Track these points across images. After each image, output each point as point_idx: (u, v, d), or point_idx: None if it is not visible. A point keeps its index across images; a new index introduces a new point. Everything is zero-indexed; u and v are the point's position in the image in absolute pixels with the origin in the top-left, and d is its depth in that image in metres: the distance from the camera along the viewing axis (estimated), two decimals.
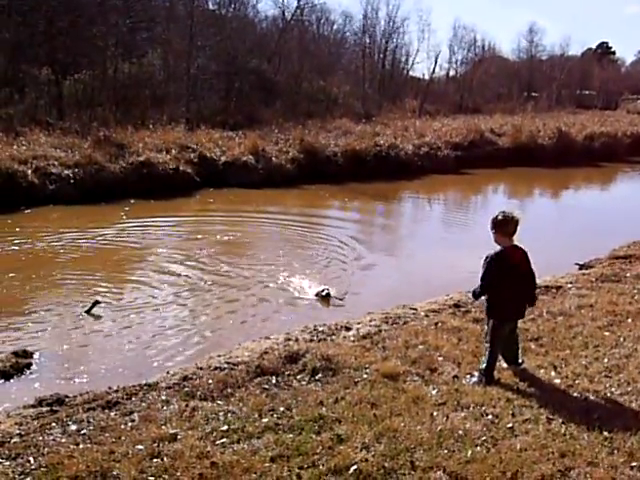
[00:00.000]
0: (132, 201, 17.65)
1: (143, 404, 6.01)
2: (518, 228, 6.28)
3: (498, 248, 6.29)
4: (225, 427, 5.43)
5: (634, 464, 4.89)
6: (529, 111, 45.04)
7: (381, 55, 52.70)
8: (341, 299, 10.27)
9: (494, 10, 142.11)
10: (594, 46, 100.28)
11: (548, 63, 75.58)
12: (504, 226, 6.24)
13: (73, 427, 5.53)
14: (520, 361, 6.76)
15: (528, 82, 70.47)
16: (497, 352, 6.49)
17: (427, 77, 55.87)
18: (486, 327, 6.63)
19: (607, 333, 7.92)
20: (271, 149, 23.49)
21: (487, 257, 6.28)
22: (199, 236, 14.50)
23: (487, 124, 32.81)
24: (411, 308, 9.22)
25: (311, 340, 7.78)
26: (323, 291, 10.31)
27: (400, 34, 55.00)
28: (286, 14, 45.09)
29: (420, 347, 7.29)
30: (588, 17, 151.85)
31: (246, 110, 32.09)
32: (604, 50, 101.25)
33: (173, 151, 21.23)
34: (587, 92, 78.58)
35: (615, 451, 5.08)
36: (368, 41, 51.21)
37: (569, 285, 10.34)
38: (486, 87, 59.12)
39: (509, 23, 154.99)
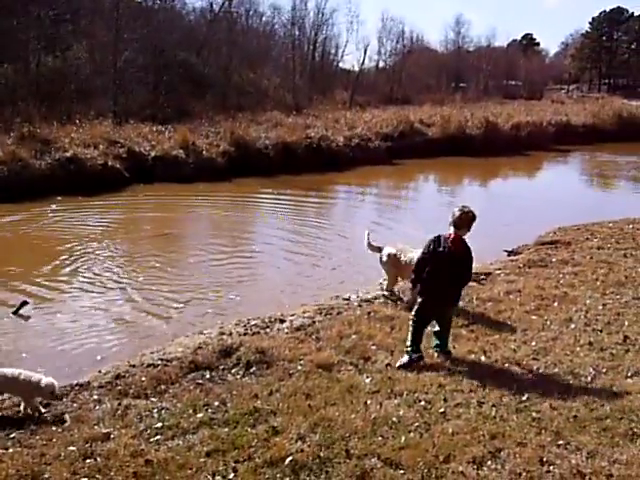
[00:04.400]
0: (59, 198, 17.23)
1: (74, 404, 5.92)
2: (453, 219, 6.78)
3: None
4: (159, 424, 5.39)
5: (560, 442, 5.06)
6: (457, 102, 45.78)
7: (311, 47, 52.78)
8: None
9: (421, 2, 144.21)
10: (519, 37, 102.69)
11: (475, 54, 77.08)
12: (451, 217, 6.77)
13: (1, 432, 5.40)
14: (448, 349, 6.90)
15: (456, 73, 71.69)
16: (420, 327, 6.72)
17: (357, 69, 56.27)
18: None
19: (534, 317, 8.15)
20: (201, 143, 23.23)
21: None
22: (129, 231, 14.29)
23: (417, 115, 33.14)
24: (344, 298, 9.30)
25: (245, 334, 7.78)
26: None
27: (329, 26, 55.35)
28: (214, 6, 44.78)
29: (353, 337, 7.36)
30: (512, 9, 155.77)
31: (175, 103, 31.69)
32: (528, 41, 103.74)
33: (101, 146, 20.80)
34: (513, 82, 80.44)
35: (543, 431, 5.25)
36: (297, 33, 51.21)
37: (498, 271, 10.58)
38: (415, 78, 59.82)
39: (436, 15, 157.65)
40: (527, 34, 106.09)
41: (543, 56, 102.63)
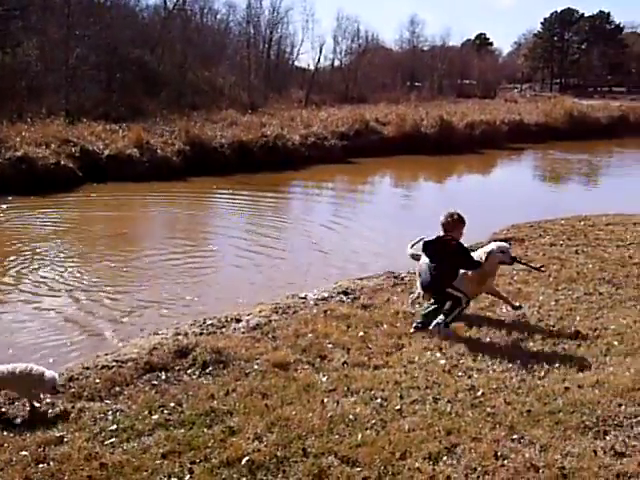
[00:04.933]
0: (10, 198, 16.90)
1: (27, 408, 5.79)
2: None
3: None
4: (114, 426, 5.31)
5: (515, 437, 5.12)
6: (413, 100, 46.05)
7: (266, 45, 52.74)
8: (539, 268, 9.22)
9: (376, 1, 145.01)
10: (473, 37, 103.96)
11: (429, 54, 77.91)
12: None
13: None
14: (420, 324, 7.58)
15: (411, 72, 72.39)
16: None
17: (312, 67, 56.38)
18: None
19: (489, 314, 8.24)
20: (156, 141, 23.00)
21: None
22: (82, 231, 14.09)
23: (372, 114, 33.25)
24: (300, 297, 9.28)
25: (201, 333, 7.72)
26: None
27: (284, 24, 55.46)
28: (168, 3, 44.45)
29: (310, 335, 7.35)
30: (466, 9, 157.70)
31: (129, 102, 31.33)
32: (482, 41, 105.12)
33: (53, 145, 20.48)
34: (467, 81, 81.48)
35: (497, 426, 5.30)
36: (253, 31, 51.21)
37: None
38: (371, 77, 60.14)
39: (391, 14, 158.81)
40: (481, 34, 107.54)
41: (496, 55, 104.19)
